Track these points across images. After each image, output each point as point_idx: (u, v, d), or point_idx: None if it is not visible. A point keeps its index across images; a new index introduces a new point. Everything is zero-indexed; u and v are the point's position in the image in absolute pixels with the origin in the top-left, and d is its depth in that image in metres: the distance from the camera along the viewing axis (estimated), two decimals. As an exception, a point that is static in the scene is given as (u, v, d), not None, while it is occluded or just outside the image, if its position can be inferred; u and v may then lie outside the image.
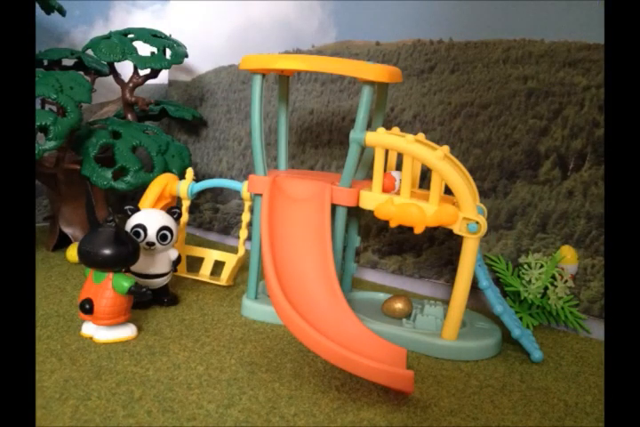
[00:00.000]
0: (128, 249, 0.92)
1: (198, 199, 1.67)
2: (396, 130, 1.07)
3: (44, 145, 1.16)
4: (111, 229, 0.92)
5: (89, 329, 0.97)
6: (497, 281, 1.17)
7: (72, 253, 1.33)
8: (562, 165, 1.14)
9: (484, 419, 0.81)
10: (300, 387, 0.86)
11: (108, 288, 0.94)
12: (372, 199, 1.00)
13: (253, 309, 1.11)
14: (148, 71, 1.47)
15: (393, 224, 0.98)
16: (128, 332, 0.98)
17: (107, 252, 0.90)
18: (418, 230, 0.96)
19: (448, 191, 1.00)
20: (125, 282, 0.93)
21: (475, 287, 1.00)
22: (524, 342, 1.00)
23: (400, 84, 1.30)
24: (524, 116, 1.17)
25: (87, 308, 0.93)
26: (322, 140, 1.43)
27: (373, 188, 1.01)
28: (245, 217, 1.24)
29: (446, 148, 1.01)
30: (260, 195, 1.06)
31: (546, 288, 1.12)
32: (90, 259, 0.91)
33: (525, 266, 1.14)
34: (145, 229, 1.05)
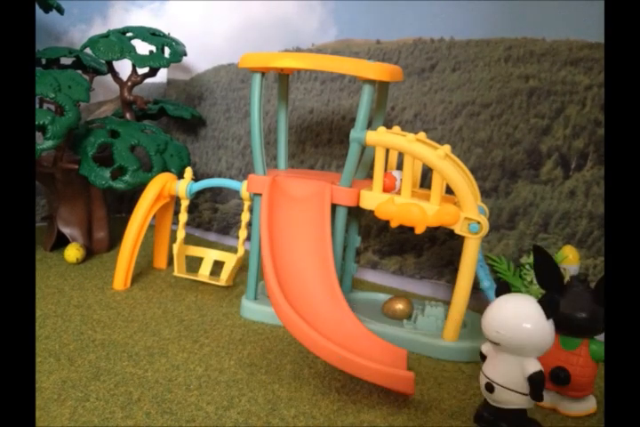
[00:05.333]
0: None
1: (197, 199, 1.66)
2: (396, 129, 1.06)
3: (42, 144, 1.15)
4: (584, 289, 0.81)
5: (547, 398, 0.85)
6: (498, 281, 1.16)
7: (70, 253, 1.32)
8: (564, 164, 1.13)
9: (486, 421, 0.81)
10: (299, 389, 0.86)
11: (582, 356, 0.80)
12: (373, 199, 1.00)
13: (253, 309, 1.11)
14: (146, 70, 1.46)
15: (394, 224, 0.97)
16: (590, 404, 0.85)
17: (584, 315, 0.78)
18: (419, 230, 0.96)
19: (449, 191, 0.99)
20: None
21: (476, 288, 0.99)
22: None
23: (401, 83, 1.29)
24: (526, 116, 1.16)
25: (562, 377, 0.80)
26: (322, 139, 1.42)
27: (374, 187, 1.00)
28: (245, 217, 1.23)
29: (447, 147, 1.00)
30: (260, 194, 1.06)
31: (547, 289, 1.11)
32: (565, 323, 0.77)
33: (527, 266, 1.13)
34: None
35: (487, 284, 0.99)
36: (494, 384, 0.72)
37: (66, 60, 1.46)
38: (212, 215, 1.65)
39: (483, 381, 0.74)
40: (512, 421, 0.73)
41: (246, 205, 1.23)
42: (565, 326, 0.78)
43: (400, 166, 1.00)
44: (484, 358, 0.76)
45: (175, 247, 1.25)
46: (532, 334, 0.69)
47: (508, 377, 0.71)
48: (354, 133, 0.98)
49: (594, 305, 0.79)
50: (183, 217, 1.26)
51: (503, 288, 0.76)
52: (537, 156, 1.16)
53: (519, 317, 0.70)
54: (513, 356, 0.71)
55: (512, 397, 0.72)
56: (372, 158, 1.01)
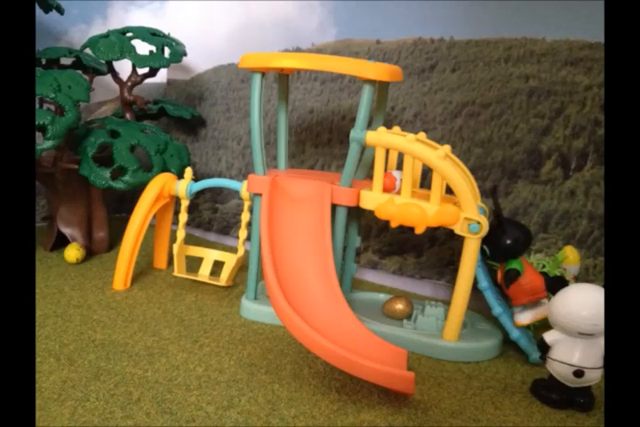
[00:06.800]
0: None
1: (197, 199, 1.66)
2: (396, 129, 1.06)
3: (42, 144, 1.15)
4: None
5: None
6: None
7: (70, 253, 1.32)
8: (564, 164, 1.13)
9: (486, 421, 0.81)
10: (299, 388, 0.86)
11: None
12: (373, 199, 1.00)
13: (253, 309, 1.11)
14: (146, 70, 1.46)
15: (394, 224, 0.97)
16: None
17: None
18: (419, 231, 0.96)
19: (449, 191, 0.99)
20: None
21: (476, 288, 0.99)
22: (523, 344, 0.99)
23: (401, 83, 1.29)
24: (526, 116, 1.16)
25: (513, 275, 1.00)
26: (322, 139, 1.42)
27: (374, 187, 1.00)
28: (245, 217, 1.23)
29: (447, 147, 1.00)
30: (260, 195, 1.06)
31: (547, 289, 1.11)
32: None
33: (527, 266, 1.13)
34: None
35: (485, 284, 0.99)
36: (585, 369, 0.81)
37: (66, 60, 1.46)
38: (211, 215, 1.65)
39: (567, 370, 0.82)
40: (588, 394, 0.85)
41: (246, 205, 1.23)
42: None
43: (400, 166, 1.00)
44: (546, 349, 0.84)
45: (175, 247, 1.25)
46: None
47: (595, 359, 0.82)
48: (354, 133, 0.98)
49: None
50: (183, 217, 1.26)
51: (561, 282, 0.87)
52: (537, 156, 1.16)
53: None
54: (594, 339, 0.82)
55: (598, 374, 0.83)
56: (372, 158, 1.01)
